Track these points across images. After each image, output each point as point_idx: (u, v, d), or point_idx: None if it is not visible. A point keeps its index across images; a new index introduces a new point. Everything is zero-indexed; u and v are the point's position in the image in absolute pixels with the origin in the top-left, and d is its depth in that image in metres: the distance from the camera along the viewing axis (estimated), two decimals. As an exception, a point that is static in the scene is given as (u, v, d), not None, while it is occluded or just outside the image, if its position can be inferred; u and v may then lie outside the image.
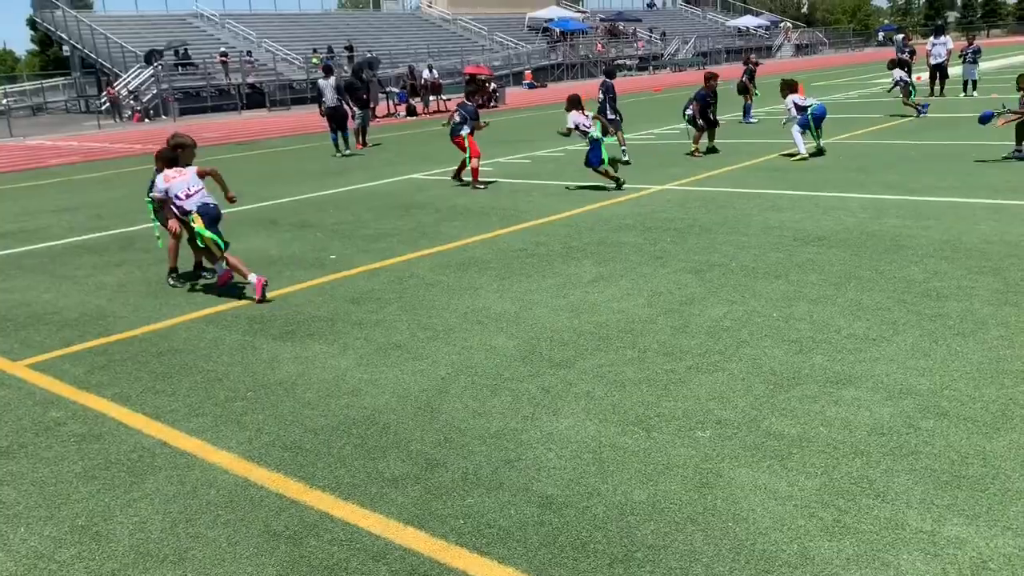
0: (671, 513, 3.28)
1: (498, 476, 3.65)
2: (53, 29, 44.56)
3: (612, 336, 5.33)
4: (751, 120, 19.04)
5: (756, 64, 20.36)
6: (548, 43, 56.86)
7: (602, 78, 14.62)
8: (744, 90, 19.12)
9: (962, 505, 3.20)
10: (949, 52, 22.55)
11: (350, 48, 42.74)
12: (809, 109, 12.75)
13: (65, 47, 45.37)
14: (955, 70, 23.99)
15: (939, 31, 23.04)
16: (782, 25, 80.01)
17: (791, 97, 12.95)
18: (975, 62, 22.29)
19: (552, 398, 4.43)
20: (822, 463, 3.58)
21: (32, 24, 57.57)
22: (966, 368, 4.46)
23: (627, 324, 5.54)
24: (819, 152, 12.88)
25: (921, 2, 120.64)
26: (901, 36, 25.66)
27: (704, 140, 14.26)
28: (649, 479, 3.54)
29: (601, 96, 13.91)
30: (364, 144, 18.92)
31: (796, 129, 12.78)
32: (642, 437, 3.92)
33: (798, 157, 12.67)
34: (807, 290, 6.02)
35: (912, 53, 23.39)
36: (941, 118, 17.38)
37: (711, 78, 14.44)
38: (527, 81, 47.12)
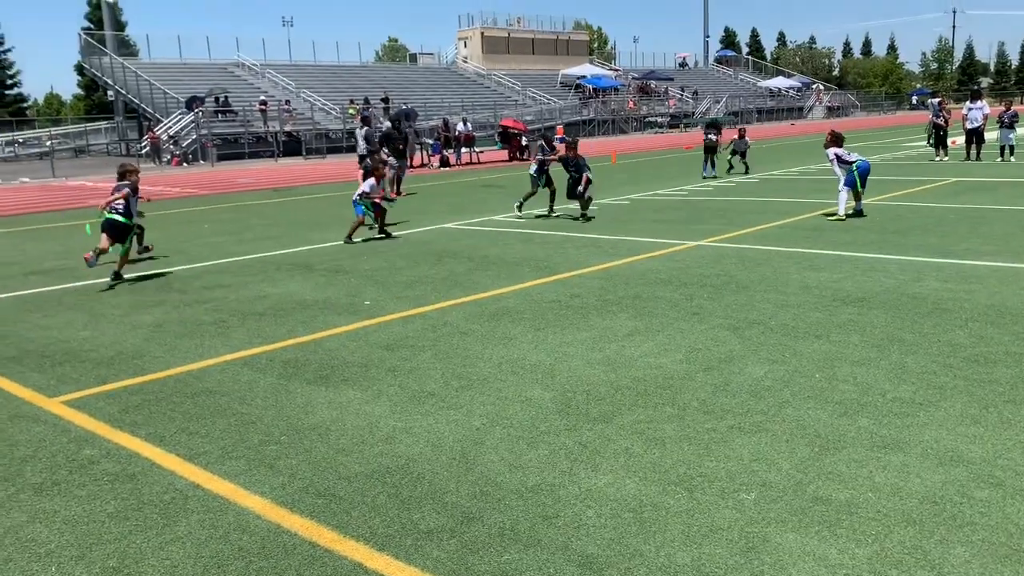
0: (717, 578, 3.16)
1: (536, 532, 3.55)
2: (99, 75, 45.95)
3: (650, 392, 5.24)
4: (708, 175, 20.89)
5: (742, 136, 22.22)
6: (580, 99, 57.56)
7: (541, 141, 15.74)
8: (733, 152, 21.65)
9: (1024, 581, 3.05)
10: (985, 117, 22.49)
11: (386, 100, 43.56)
12: (854, 165, 12.64)
13: (110, 92, 46.69)
14: (991, 135, 23.91)
15: (975, 96, 23.02)
16: (814, 87, 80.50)
17: (834, 150, 12.82)
18: (1012, 127, 22.20)
19: (590, 453, 4.34)
20: (873, 531, 3.45)
21: (80, 69, 59.37)
22: (1020, 437, 4.31)
23: (665, 380, 5.45)
24: (857, 213, 12.78)
25: (954, 68, 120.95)
26: (936, 100, 25.61)
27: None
28: (693, 541, 3.43)
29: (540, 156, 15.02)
30: (399, 193, 19.11)
31: (842, 188, 12.67)
32: (684, 497, 3.81)
33: (835, 217, 12.58)
34: (849, 351, 5.90)
35: (947, 119, 23.34)
36: (979, 182, 17.24)
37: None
38: (559, 136, 47.54)
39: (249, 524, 3.73)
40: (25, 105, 67.54)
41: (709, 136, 21.19)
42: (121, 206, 9.92)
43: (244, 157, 39.39)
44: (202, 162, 37.17)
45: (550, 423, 4.79)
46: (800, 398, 5.01)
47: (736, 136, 21.87)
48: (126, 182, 10.08)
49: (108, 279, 9.78)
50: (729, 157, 21.98)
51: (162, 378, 5.98)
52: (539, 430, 4.69)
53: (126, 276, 9.98)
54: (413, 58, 65.97)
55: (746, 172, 21.45)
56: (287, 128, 40.75)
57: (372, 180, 12.81)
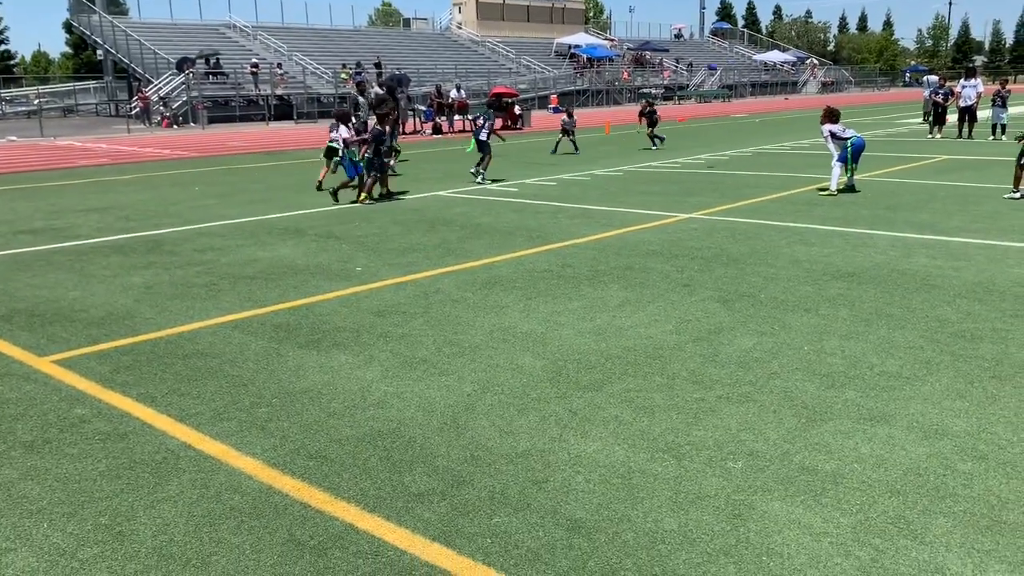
0: (703, 543, 3.21)
1: (525, 496, 3.60)
2: (88, 33, 45.28)
3: (640, 361, 5.27)
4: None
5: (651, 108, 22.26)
6: (575, 69, 57.15)
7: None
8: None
9: (1003, 551, 3.11)
10: (979, 95, 22.47)
11: (378, 65, 43.13)
12: (849, 141, 12.62)
13: (99, 51, 46.07)
14: (983, 113, 23.91)
15: (969, 74, 22.97)
16: (808, 62, 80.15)
17: (828, 126, 12.79)
18: (1004, 106, 22.21)
19: (580, 420, 4.38)
20: (858, 501, 3.50)
21: (68, 27, 58.49)
22: (1003, 412, 4.37)
23: (655, 350, 5.48)
24: (849, 188, 12.80)
25: (949, 45, 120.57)
26: (935, 78, 25.54)
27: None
28: (680, 507, 3.48)
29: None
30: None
31: (836, 163, 12.66)
32: (672, 465, 3.86)
33: (827, 192, 12.60)
34: (837, 325, 5.94)
35: (948, 95, 23.28)
36: (970, 160, 17.28)
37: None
38: (553, 105, 47.30)
39: (241, 484, 3.76)
40: (12, 63, 66.55)
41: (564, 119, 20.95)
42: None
43: (235, 120, 39.04)
44: (192, 124, 36.81)
45: (540, 390, 4.82)
46: (788, 370, 5.06)
47: (564, 116, 21.14)
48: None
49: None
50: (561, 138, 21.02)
51: (153, 339, 5.98)
52: (530, 397, 4.72)
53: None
54: (407, 23, 65.23)
55: (576, 150, 20.85)
56: (278, 92, 40.35)
57: (344, 127, 12.88)
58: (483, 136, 14.95)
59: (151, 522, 3.46)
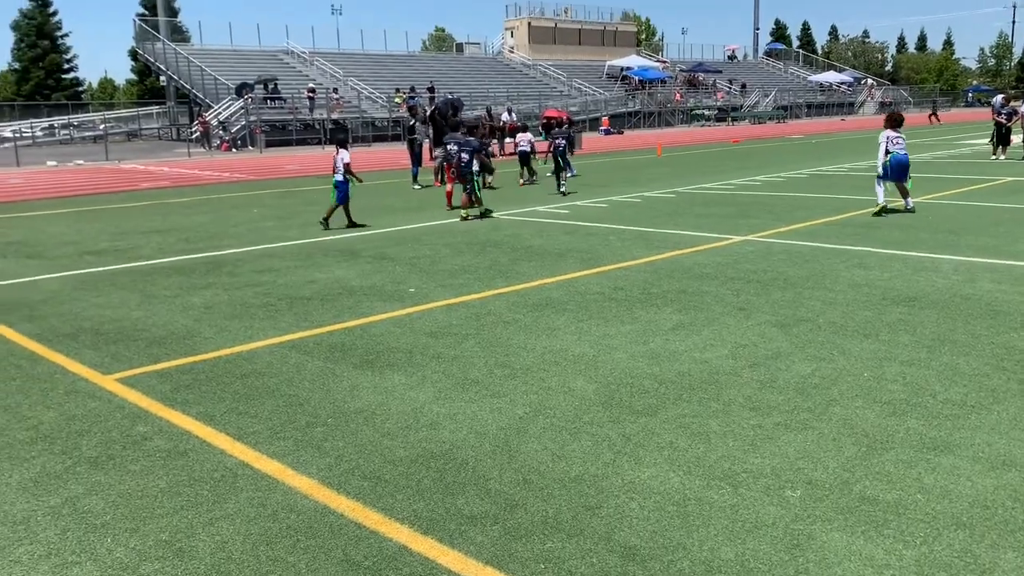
0: (760, 573, 3.15)
1: (579, 522, 3.57)
2: (152, 60, 46.77)
3: (695, 386, 5.21)
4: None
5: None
6: (627, 91, 57.15)
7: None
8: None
9: (1078, 590, 2.99)
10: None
11: (431, 89, 43.68)
12: (889, 156, 12.36)
13: (162, 77, 47.54)
14: (1050, 134, 23.24)
15: (1034, 93, 22.36)
16: (864, 82, 78.93)
17: (887, 132, 12.53)
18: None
19: (634, 446, 4.34)
20: (921, 533, 3.40)
21: (133, 55, 60.49)
22: (1076, 443, 4.21)
23: (710, 375, 5.42)
24: (909, 211, 12.53)
25: (1013, 64, 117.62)
26: (1000, 97, 24.91)
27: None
28: (737, 536, 3.42)
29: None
30: (442, 182, 19.20)
31: (877, 181, 12.48)
32: (729, 492, 3.79)
33: (879, 208, 12.37)
34: (898, 351, 5.80)
35: (1012, 115, 22.70)
36: (1036, 182, 16.77)
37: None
38: (604, 127, 47.33)
39: (297, 504, 3.80)
40: (80, 89, 68.99)
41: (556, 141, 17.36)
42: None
43: (291, 144, 39.86)
44: (251, 148, 37.69)
45: (593, 414, 4.79)
46: (848, 397, 4.95)
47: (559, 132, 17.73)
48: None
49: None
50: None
51: (212, 358, 6.10)
52: (582, 421, 4.70)
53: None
54: (459, 47, 66.03)
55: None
56: (334, 116, 41.11)
57: (344, 151, 12.66)
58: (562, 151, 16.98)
59: (210, 539, 3.52)
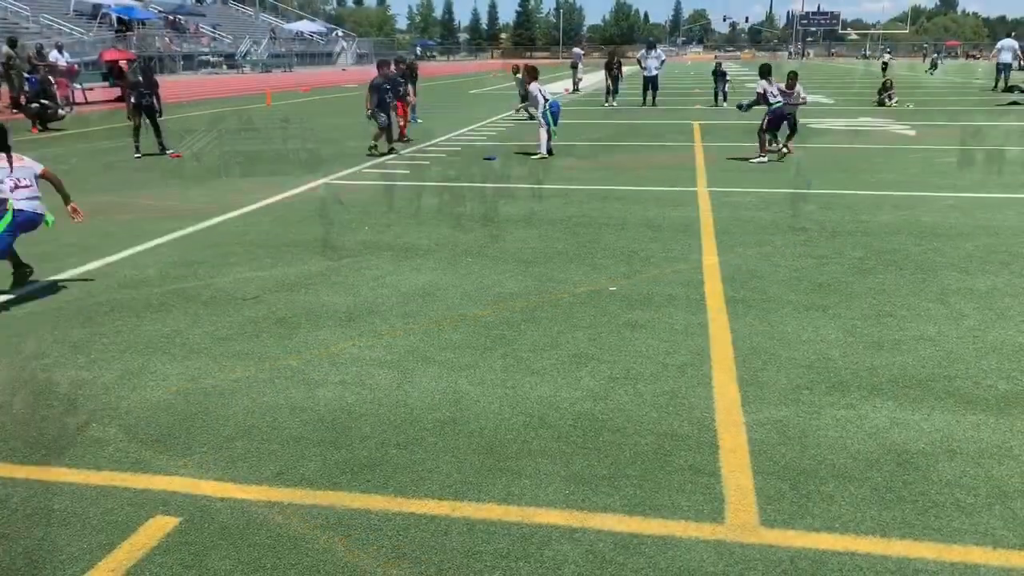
0: None
1: None
2: None
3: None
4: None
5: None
6: (117, 32, 50.36)
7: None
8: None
9: None
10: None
11: None
12: (547, 104, 13.89)
13: None
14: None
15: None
16: (337, 33, 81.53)
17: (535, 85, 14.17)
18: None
19: None
20: None
21: None
22: None
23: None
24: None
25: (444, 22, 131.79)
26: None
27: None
28: None
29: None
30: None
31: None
32: None
33: (537, 156, 13.95)
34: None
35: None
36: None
37: (382, 64, 14.87)
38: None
39: None
40: None
41: None
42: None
43: None
44: None
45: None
46: None
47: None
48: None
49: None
50: None
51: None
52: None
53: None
54: None
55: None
56: None
57: None
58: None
59: None
